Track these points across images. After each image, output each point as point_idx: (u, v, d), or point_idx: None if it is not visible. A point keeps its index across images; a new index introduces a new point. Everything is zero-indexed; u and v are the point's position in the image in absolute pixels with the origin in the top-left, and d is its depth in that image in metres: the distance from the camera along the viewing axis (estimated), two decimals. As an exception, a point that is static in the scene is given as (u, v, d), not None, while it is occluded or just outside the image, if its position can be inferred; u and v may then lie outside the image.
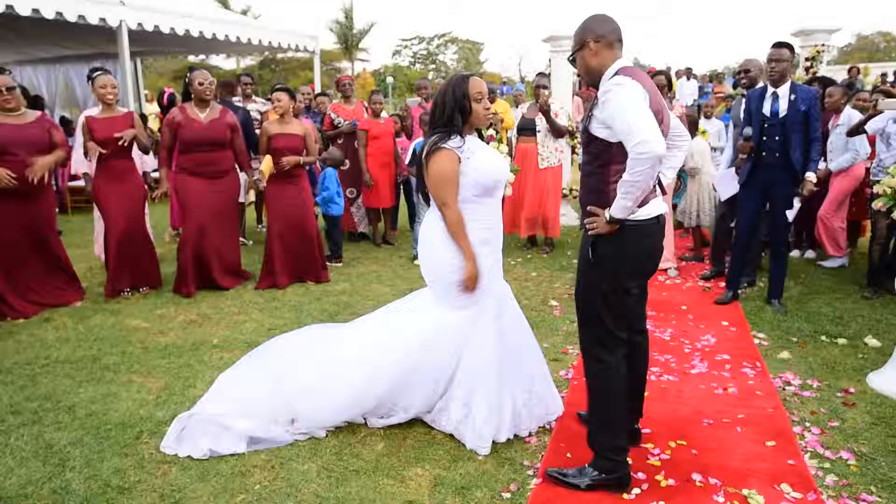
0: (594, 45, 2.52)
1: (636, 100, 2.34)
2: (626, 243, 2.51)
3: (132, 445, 3.01)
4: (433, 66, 49.01)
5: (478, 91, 2.83)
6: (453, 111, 2.81)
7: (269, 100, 8.51)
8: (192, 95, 5.32)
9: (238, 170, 5.67)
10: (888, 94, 5.95)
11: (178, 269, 5.34)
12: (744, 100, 5.28)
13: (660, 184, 2.65)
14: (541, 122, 6.44)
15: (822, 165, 5.46)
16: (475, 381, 2.97)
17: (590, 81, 2.64)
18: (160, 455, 2.92)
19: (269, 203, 5.59)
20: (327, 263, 6.00)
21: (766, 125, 4.70)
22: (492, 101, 8.79)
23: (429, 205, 3.00)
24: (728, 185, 5.44)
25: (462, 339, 2.96)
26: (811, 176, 4.74)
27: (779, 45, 4.69)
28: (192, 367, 3.88)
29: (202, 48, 12.29)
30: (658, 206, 2.57)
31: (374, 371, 3.01)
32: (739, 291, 5.33)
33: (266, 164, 5.43)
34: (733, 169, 5.31)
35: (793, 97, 4.63)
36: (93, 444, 3.01)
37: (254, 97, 7.52)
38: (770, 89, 4.69)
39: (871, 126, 5.08)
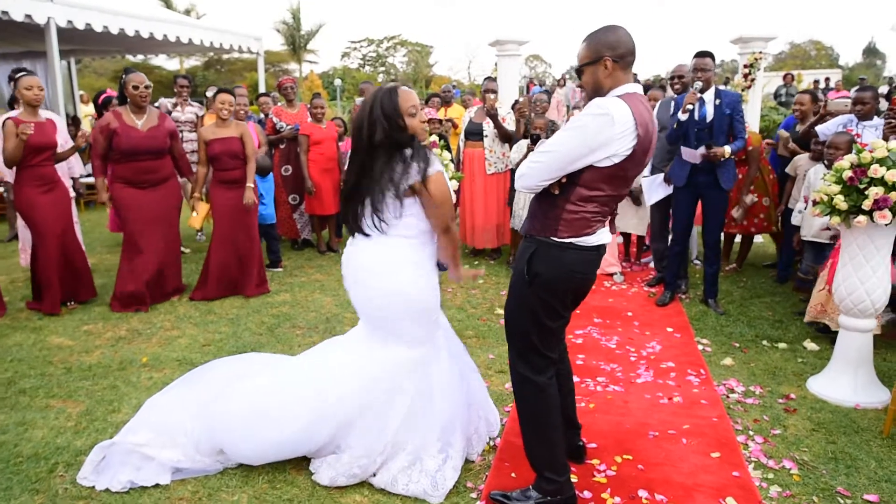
0: (611, 63, 2.34)
1: (589, 133, 2.24)
2: (563, 265, 2.40)
3: (45, 480, 2.76)
4: (382, 68, 48.72)
5: (411, 104, 2.53)
6: (388, 132, 2.50)
7: (201, 102, 8.14)
8: (128, 100, 5.01)
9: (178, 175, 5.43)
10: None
11: (121, 283, 5.01)
12: (672, 102, 5.34)
13: (612, 220, 2.56)
14: (488, 127, 6.36)
15: None
16: (440, 425, 2.73)
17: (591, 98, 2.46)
18: (76, 490, 2.69)
19: (213, 210, 5.34)
20: (266, 272, 5.76)
21: (696, 130, 4.84)
22: (447, 104, 8.70)
23: (355, 234, 2.70)
24: (654, 190, 5.49)
25: (425, 378, 2.74)
26: (726, 149, 4.71)
27: (702, 54, 4.90)
28: (118, 390, 3.63)
29: (141, 48, 11.81)
30: (603, 237, 2.47)
31: (315, 413, 2.72)
32: (683, 297, 5.38)
33: (201, 212, 5.20)
34: (661, 174, 5.35)
35: (717, 101, 4.82)
36: (0, 481, 2.75)
37: (189, 101, 7.21)
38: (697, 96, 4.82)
39: (822, 129, 5.13)
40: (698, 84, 4.79)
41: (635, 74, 7.66)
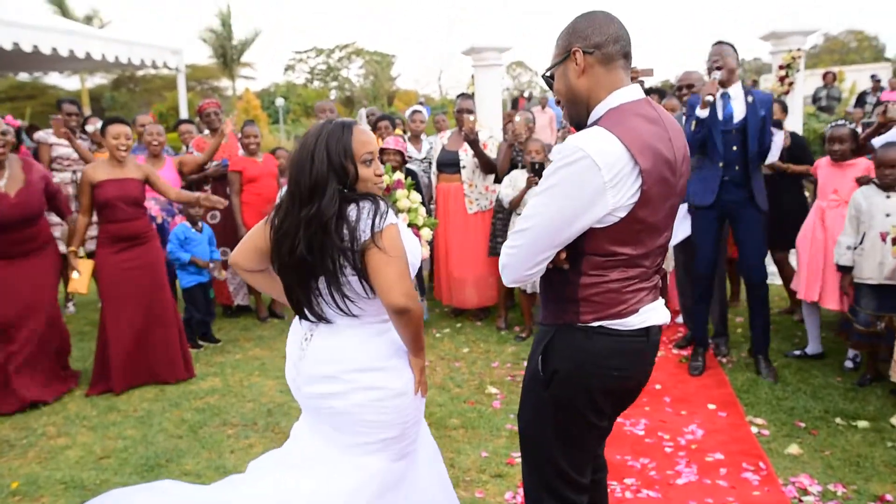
0: (583, 58, 2.07)
1: (567, 192, 1.97)
2: (590, 357, 2.11)
3: None
4: (335, 83, 49.13)
5: (367, 150, 2.37)
6: (325, 176, 2.29)
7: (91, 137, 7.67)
8: None
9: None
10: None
11: None
12: (683, 118, 5.28)
13: (663, 278, 2.32)
14: (466, 156, 6.23)
15: None
16: None
17: (572, 114, 2.20)
18: None
19: (101, 272, 5.05)
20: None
21: (722, 133, 4.77)
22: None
23: (307, 316, 2.46)
24: (679, 224, 5.28)
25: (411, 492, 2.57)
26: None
27: (720, 43, 4.89)
28: (-22, 530, 3.32)
29: (31, 65, 11.71)
30: (651, 315, 2.16)
31: None
32: (723, 360, 5.26)
33: (86, 271, 4.94)
34: (684, 205, 5.20)
35: (750, 99, 4.77)
36: None
37: (80, 134, 6.96)
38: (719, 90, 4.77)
39: (881, 142, 5.02)
40: (717, 74, 4.71)
41: (641, 83, 7.63)
